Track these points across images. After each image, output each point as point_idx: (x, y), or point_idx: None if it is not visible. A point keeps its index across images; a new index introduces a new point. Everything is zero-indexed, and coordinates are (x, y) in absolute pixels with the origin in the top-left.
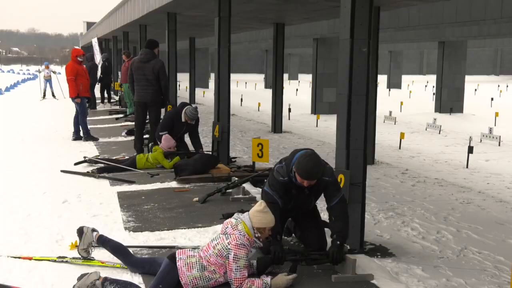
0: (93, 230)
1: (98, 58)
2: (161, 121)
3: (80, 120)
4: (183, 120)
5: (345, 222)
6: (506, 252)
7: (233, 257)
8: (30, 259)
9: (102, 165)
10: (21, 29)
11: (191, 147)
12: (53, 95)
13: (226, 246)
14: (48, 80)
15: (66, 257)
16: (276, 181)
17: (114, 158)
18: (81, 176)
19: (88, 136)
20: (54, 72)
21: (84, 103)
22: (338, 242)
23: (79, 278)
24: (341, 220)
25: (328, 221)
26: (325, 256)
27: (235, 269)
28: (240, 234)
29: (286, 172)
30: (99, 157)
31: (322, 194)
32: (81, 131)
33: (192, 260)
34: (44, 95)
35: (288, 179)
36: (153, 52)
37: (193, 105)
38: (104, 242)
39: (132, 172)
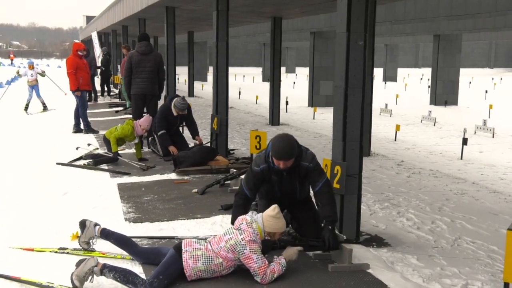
0: (96, 224)
1: (98, 51)
2: (156, 120)
3: (80, 113)
4: (175, 114)
5: (333, 206)
6: (499, 242)
7: (250, 250)
8: (31, 250)
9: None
10: (21, 23)
11: (188, 140)
12: (44, 106)
13: (240, 241)
14: (33, 86)
15: (67, 248)
16: (250, 174)
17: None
18: (80, 168)
19: (89, 129)
20: (42, 74)
21: (84, 96)
22: (330, 227)
23: (77, 264)
24: (328, 204)
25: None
26: (322, 243)
27: (256, 258)
28: (254, 232)
29: (263, 160)
30: (92, 151)
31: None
32: (82, 123)
33: (198, 252)
34: (27, 107)
35: (266, 166)
36: (150, 44)
37: (180, 96)
38: (107, 235)
39: (128, 163)
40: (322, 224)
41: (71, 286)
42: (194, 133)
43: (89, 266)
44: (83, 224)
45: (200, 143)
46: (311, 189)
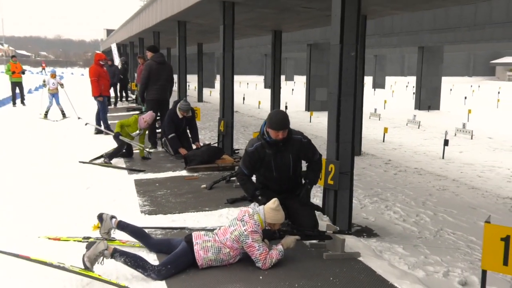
0: (112, 217)
1: (117, 61)
2: (165, 124)
3: (101, 116)
4: (180, 116)
5: (317, 174)
6: (477, 233)
7: (252, 240)
8: (58, 239)
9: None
10: (48, 35)
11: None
12: (63, 114)
13: (243, 232)
14: (54, 94)
15: (91, 237)
16: (245, 155)
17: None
18: (101, 166)
19: (109, 130)
20: (61, 85)
21: (105, 101)
22: (309, 187)
23: (88, 247)
24: (313, 171)
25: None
26: (317, 232)
27: (258, 247)
28: (255, 223)
29: (256, 140)
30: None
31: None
32: (102, 125)
33: (208, 244)
34: (47, 113)
35: (259, 143)
36: (164, 55)
37: (184, 99)
38: (123, 227)
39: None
40: (303, 182)
41: (82, 267)
42: (194, 138)
43: (99, 249)
44: (100, 217)
45: (197, 148)
46: (306, 162)
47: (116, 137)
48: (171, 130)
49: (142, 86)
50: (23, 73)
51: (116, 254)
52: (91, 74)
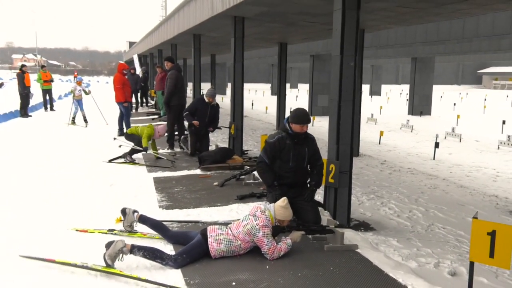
0: (134, 211)
1: (138, 70)
2: (189, 106)
3: (125, 120)
4: (206, 100)
5: (320, 177)
6: (465, 228)
7: (263, 234)
8: (85, 231)
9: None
10: (76, 47)
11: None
12: (85, 120)
13: (255, 226)
14: (79, 100)
15: (115, 230)
16: (267, 145)
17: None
18: (123, 164)
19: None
20: (86, 93)
21: (128, 106)
22: (314, 188)
23: (107, 246)
24: (317, 175)
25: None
26: (321, 227)
27: (267, 241)
28: (267, 219)
29: (278, 132)
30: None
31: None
32: (125, 128)
33: (220, 237)
34: (74, 120)
35: (281, 135)
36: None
37: (211, 86)
38: (144, 220)
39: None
40: (309, 185)
41: (104, 265)
42: (213, 126)
43: (118, 247)
44: (123, 211)
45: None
46: (310, 165)
47: (145, 150)
48: (190, 110)
49: (169, 94)
50: (52, 81)
51: (135, 249)
52: (116, 82)
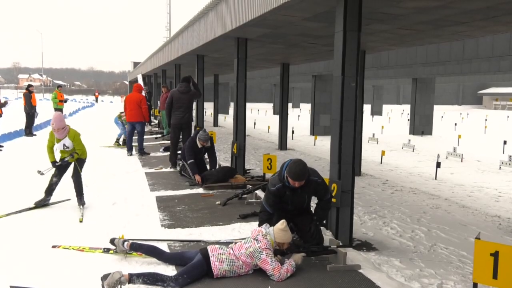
0: (124, 241)
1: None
2: (185, 150)
3: (139, 138)
4: (199, 146)
5: (326, 212)
6: (468, 248)
7: (266, 255)
8: (82, 250)
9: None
10: (82, 67)
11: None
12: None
13: (257, 248)
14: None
15: (110, 250)
16: (268, 193)
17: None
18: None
19: (143, 152)
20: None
21: (143, 125)
22: (318, 223)
23: (104, 278)
24: (322, 210)
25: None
26: (322, 249)
27: (271, 261)
28: (268, 242)
29: (278, 180)
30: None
31: (314, 198)
32: (138, 147)
33: (223, 256)
34: (118, 141)
35: (281, 185)
36: (189, 85)
37: (203, 129)
38: (136, 248)
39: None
40: (313, 220)
41: None
42: (213, 166)
43: (116, 278)
44: (112, 242)
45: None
46: (317, 199)
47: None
48: (191, 156)
49: (166, 111)
50: (66, 101)
51: (133, 278)
52: (132, 101)
